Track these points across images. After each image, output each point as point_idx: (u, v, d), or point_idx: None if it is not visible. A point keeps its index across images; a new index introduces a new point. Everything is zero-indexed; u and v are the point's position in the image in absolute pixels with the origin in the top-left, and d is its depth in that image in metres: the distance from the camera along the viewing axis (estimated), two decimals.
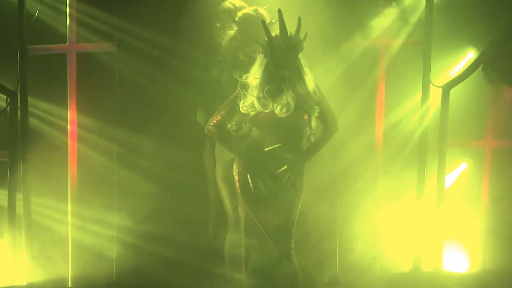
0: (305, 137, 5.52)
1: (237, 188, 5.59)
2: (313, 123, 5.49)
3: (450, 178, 6.97)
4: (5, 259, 6.45)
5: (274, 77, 5.32)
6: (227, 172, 5.84)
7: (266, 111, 5.34)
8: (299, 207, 5.59)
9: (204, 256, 6.59)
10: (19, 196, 6.44)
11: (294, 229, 5.58)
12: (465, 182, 7.06)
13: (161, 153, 6.68)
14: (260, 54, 5.39)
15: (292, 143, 5.46)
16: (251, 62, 5.55)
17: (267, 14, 5.90)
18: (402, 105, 6.80)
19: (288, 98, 5.32)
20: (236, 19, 5.92)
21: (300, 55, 5.35)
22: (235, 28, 5.93)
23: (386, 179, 6.91)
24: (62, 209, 6.67)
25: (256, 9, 5.93)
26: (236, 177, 5.56)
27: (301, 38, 5.31)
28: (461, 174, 7.06)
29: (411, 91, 6.79)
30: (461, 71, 6.71)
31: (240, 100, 5.40)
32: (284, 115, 5.33)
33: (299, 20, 5.29)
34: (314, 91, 5.42)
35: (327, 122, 5.59)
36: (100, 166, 6.70)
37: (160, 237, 6.78)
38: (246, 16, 5.90)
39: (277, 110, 5.33)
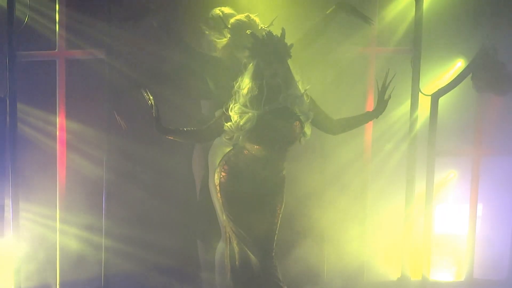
0: (293, 145, 5.50)
1: (219, 198, 5.58)
2: (307, 129, 5.45)
3: (439, 186, 6.98)
4: None
5: (264, 77, 5.28)
6: None
7: (256, 115, 5.32)
8: (280, 216, 5.57)
9: (194, 263, 6.61)
10: (8, 202, 6.44)
11: (275, 239, 5.54)
12: (454, 190, 7.08)
13: (151, 159, 6.70)
14: (249, 59, 5.36)
15: (281, 150, 5.44)
16: (245, 66, 5.48)
17: (258, 20, 5.91)
18: (391, 114, 6.80)
19: (280, 98, 5.31)
20: (229, 25, 5.93)
21: (289, 63, 5.33)
22: (228, 35, 5.94)
23: (374, 187, 6.93)
24: (50, 215, 6.66)
25: (248, 15, 5.94)
26: (218, 187, 5.54)
27: (287, 44, 5.30)
28: (449, 182, 7.08)
29: (401, 99, 6.78)
30: (450, 80, 6.73)
31: (231, 106, 5.39)
32: (280, 119, 5.30)
33: (283, 30, 5.30)
34: (306, 95, 5.42)
35: (323, 128, 5.60)
36: (89, 172, 6.71)
37: (149, 243, 6.82)
38: (239, 23, 5.91)
39: (271, 109, 5.30)
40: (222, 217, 5.74)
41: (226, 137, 5.43)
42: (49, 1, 6.49)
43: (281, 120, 5.34)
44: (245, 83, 5.33)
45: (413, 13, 6.66)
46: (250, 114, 5.30)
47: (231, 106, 5.37)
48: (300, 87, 5.38)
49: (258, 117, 5.29)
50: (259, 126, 5.32)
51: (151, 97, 5.40)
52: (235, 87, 5.39)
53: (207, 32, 6.19)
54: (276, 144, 5.38)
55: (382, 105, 5.62)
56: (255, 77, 5.30)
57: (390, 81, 5.60)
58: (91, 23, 6.54)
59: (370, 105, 6.81)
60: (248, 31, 5.43)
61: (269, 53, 5.26)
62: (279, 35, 5.30)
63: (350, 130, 5.68)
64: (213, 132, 5.50)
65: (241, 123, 5.32)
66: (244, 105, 5.31)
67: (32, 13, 6.43)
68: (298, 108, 5.36)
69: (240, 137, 5.38)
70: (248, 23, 5.86)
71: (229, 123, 5.37)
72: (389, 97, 5.59)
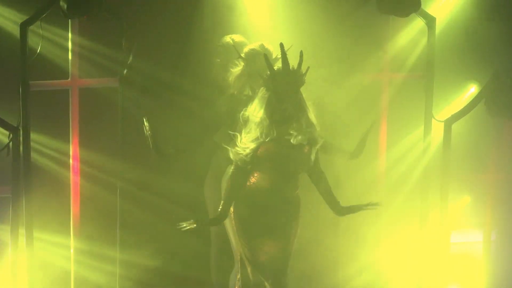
0: (302, 172, 5.49)
1: (232, 224, 5.57)
2: (313, 156, 5.45)
3: (453, 212, 6.97)
4: None
5: (276, 111, 5.29)
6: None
7: (267, 141, 5.31)
8: (295, 241, 5.56)
9: None
10: (22, 232, 6.43)
11: (289, 265, 5.52)
12: (468, 215, 7.07)
13: (165, 187, 6.69)
14: (262, 88, 5.36)
15: (291, 177, 5.43)
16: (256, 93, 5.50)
17: (272, 49, 5.88)
18: (404, 140, 6.81)
19: (293, 128, 5.30)
20: (242, 55, 5.88)
21: (302, 89, 5.34)
22: (242, 64, 5.89)
23: (388, 214, 6.91)
24: (64, 245, 6.66)
25: (262, 44, 5.86)
26: (232, 214, 5.53)
27: (303, 72, 5.29)
28: (464, 207, 7.07)
29: (414, 125, 6.80)
30: (464, 106, 6.72)
31: (240, 136, 5.39)
32: (291, 143, 5.29)
33: (301, 53, 5.26)
34: (317, 124, 5.41)
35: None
36: (102, 201, 6.70)
37: (163, 273, 6.80)
38: (252, 52, 5.85)
39: (283, 139, 5.30)
40: (235, 242, 5.73)
41: (237, 158, 5.41)
42: (62, 30, 6.50)
43: (290, 146, 5.33)
44: (256, 113, 5.33)
45: (425, 39, 6.66)
46: (259, 140, 5.31)
47: (242, 134, 5.38)
48: (311, 115, 5.37)
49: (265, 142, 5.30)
50: (268, 151, 5.32)
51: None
52: (245, 116, 5.40)
53: (218, 60, 6.19)
54: (286, 170, 5.38)
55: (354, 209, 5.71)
56: (267, 109, 5.30)
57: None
58: (104, 52, 6.54)
59: (383, 131, 6.83)
60: (264, 60, 5.36)
61: (284, 89, 5.26)
62: (295, 63, 5.27)
63: (320, 191, 5.65)
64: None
65: (248, 145, 5.33)
66: (255, 134, 5.31)
67: (45, 43, 6.43)
68: (309, 135, 5.36)
69: (250, 159, 5.36)
70: (262, 52, 5.80)
71: (236, 148, 5.37)
72: None
